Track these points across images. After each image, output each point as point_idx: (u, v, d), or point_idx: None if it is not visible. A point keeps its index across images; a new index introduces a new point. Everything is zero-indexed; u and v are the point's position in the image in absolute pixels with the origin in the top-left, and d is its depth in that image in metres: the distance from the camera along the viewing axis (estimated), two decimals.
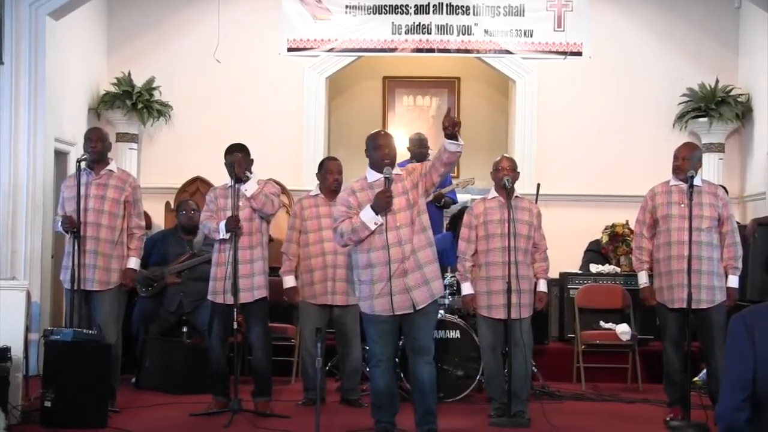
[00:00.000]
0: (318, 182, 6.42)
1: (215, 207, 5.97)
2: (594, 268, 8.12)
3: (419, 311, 5.03)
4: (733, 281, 5.75)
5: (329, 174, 6.30)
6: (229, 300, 5.76)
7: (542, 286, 5.92)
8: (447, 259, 6.52)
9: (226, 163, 5.91)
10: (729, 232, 5.77)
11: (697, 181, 5.75)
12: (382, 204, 4.96)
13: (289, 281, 6.25)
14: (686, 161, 5.76)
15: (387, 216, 4.98)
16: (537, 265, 5.89)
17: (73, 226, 5.74)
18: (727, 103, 8.68)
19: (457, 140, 4.92)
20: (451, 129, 4.89)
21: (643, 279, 5.95)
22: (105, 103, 8.80)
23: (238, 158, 5.84)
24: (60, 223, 5.86)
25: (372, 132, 5.34)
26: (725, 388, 2.79)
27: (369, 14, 8.70)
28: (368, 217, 4.97)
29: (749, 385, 2.72)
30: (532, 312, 5.85)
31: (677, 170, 5.77)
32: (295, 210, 6.39)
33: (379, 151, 5.13)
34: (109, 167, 5.97)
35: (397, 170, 5.13)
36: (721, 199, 5.80)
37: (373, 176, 5.16)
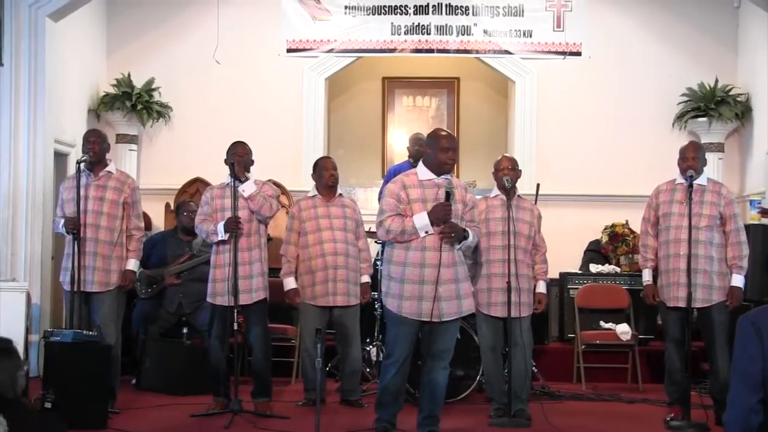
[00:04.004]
0: (314, 183, 6.41)
1: (210, 209, 5.95)
2: (594, 268, 8.12)
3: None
4: (738, 280, 5.72)
5: (325, 171, 6.29)
6: (228, 302, 5.75)
7: (541, 288, 5.92)
8: None
9: (226, 161, 5.91)
10: (733, 231, 5.74)
11: (702, 180, 5.76)
12: (440, 218, 4.89)
13: (289, 283, 6.21)
14: (696, 160, 5.75)
15: None
16: (537, 266, 5.89)
17: (75, 227, 5.73)
18: (726, 103, 8.68)
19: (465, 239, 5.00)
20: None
21: (646, 277, 5.95)
22: (105, 104, 8.81)
23: (237, 157, 5.85)
24: (61, 224, 5.86)
25: (437, 130, 5.21)
26: (736, 391, 2.72)
27: (368, 15, 8.70)
28: (422, 224, 4.89)
29: (762, 386, 2.68)
30: (532, 311, 5.84)
31: (687, 169, 5.74)
32: (293, 212, 6.37)
33: (443, 154, 5.00)
34: (107, 168, 5.96)
35: (447, 175, 5.05)
36: (725, 198, 5.78)
37: (426, 175, 5.04)
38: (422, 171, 5.08)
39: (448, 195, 4.92)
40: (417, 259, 4.91)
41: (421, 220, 4.90)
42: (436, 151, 5.02)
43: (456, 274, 4.98)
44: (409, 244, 4.93)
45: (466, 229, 5.01)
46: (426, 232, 4.90)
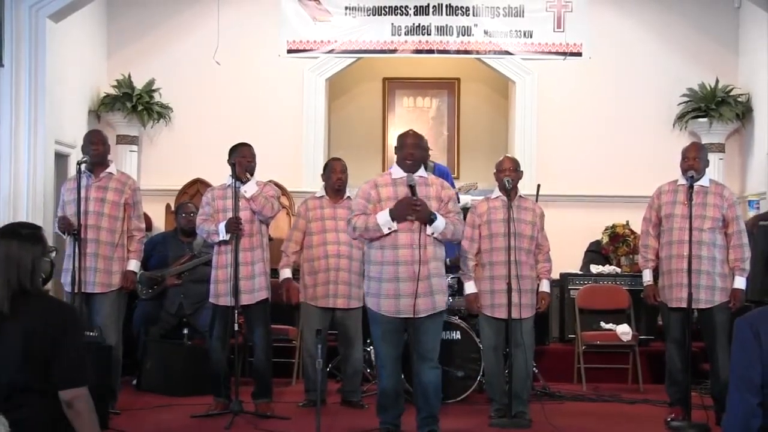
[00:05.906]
0: (323, 183, 6.41)
1: (212, 210, 5.95)
2: (594, 268, 8.11)
3: (426, 316, 5.02)
4: (740, 282, 5.72)
5: (333, 173, 6.29)
6: (230, 302, 5.76)
7: (545, 287, 5.91)
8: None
9: (229, 162, 5.91)
10: (735, 233, 5.73)
11: (704, 181, 5.76)
12: (402, 213, 4.97)
13: (284, 273, 6.21)
14: (697, 160, 5.75)
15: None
16: (540, 265, 5.88)
17: (71, 228, 5.72)
18: (727, 103, 8.68)
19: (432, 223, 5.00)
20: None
21: (646, 277, 5.95)
22: (105, 105, 8.81)
23: (240, 159, 5.84)
24: (57, 225, 5.87)
25: (404, 131, 5.36)
26: (735, 394, 2.72)
27: (368, 15, 8.70)
28: (384, 220, 4.98)
29: (762, 389, 2.67)
30: (534, 312, 5.84)
31: (688, 169, 5.73)
32: (300, 210, 6.37)
33: (402, 150, 5.18)
34: (108, 170, 5.95)
35: (422, 173, 5.18)
36: (727, 200, 5.77)
37: (398, 173, 5.17)
38: (395, 170, 5.21)
39: (413, 189, 5.00)
40: (391, 258, 4.98)
41: (382, 216, 4.99)
42: (399, 148, 5.22)
43: (429, 271, 5.02)
44: (384, 244, 5.00)
45: (435, 213, 5.02)
46: (389, 228, 4.97)
